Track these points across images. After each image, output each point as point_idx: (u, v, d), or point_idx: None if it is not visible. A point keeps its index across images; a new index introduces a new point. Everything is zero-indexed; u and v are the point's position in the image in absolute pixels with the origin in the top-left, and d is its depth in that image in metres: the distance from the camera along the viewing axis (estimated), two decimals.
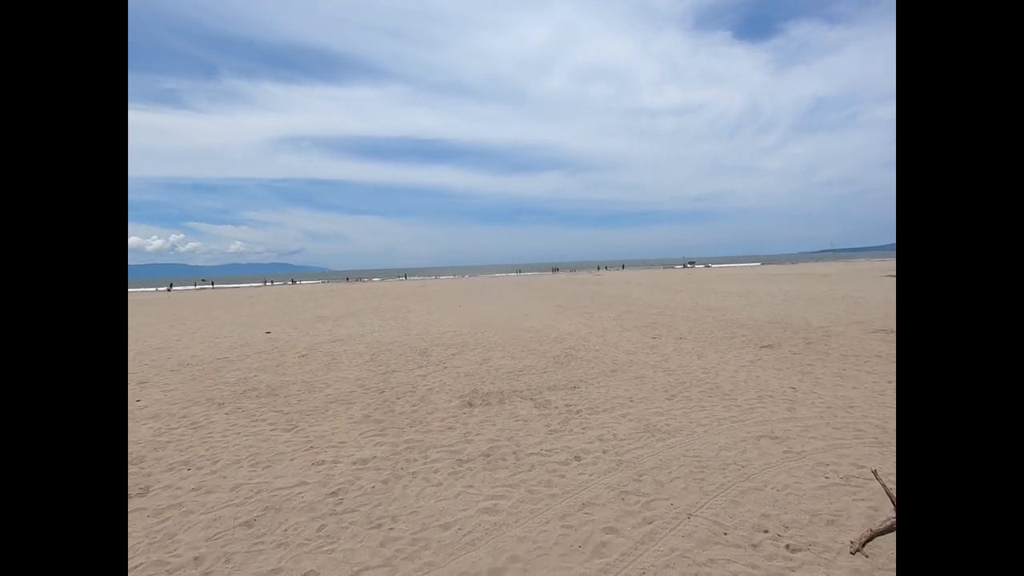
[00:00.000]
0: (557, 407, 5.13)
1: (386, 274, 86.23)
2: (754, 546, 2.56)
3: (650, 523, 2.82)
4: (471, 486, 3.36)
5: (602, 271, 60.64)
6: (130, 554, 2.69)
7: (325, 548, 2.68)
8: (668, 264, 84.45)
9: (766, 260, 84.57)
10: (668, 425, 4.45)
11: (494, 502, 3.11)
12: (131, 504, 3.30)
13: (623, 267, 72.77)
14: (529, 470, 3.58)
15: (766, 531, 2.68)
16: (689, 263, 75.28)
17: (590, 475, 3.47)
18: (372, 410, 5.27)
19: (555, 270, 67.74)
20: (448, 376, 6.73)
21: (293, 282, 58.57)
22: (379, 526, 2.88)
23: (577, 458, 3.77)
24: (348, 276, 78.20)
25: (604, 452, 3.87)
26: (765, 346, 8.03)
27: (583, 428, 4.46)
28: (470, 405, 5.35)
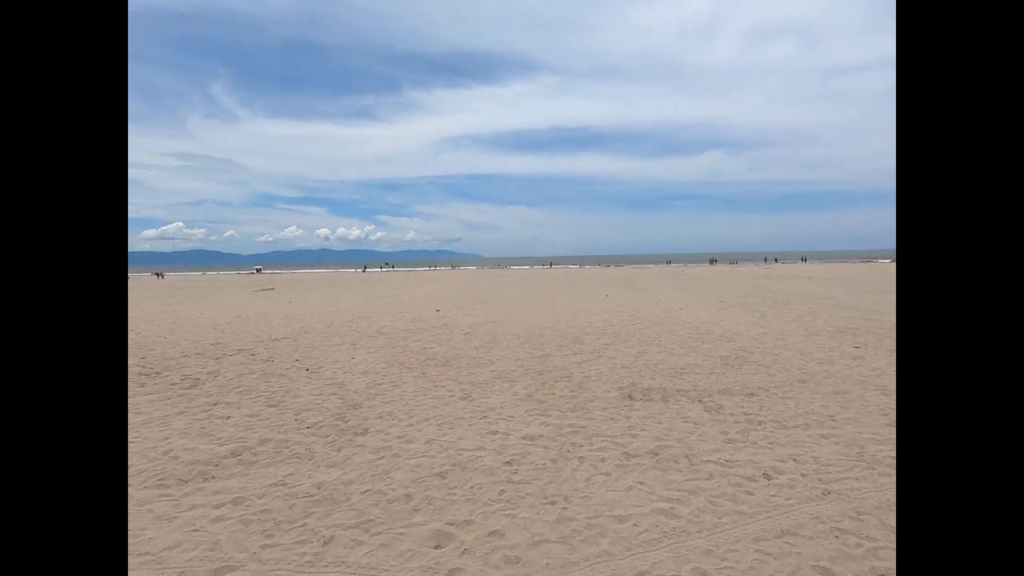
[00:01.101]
0: (733, 414, 4.58)
1: (533, 261, 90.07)
2: None
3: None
4: (642, 482, 3.24)
5: (772, 263, 52.23)
6: (358, 482, 3.35)
7: (507, 512, 2.90)
8: (868, 257, 67.83)
9: None
10: (894, 458, 3.54)
11: (670, 505, 2.93)
12: (355, 440, 4.12)
13: (803, 259, 61.26)
14: (707, 479, 3.27)
15: None
16: None
17: (786, 499, 2.99)
18: (533, 390, 5.53)
19: (713, 261, 60.94)
20: (604, 366, 6.64)
21: (453, 267, 65.85)
22: (553, 503, 2.99)
23: (766, 476, 3.29)
24: (499, 263, 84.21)
25: (803, 476, 3.29)
26: None
27: (769, 443, 3.88)
28: (630, 398, 5.17)
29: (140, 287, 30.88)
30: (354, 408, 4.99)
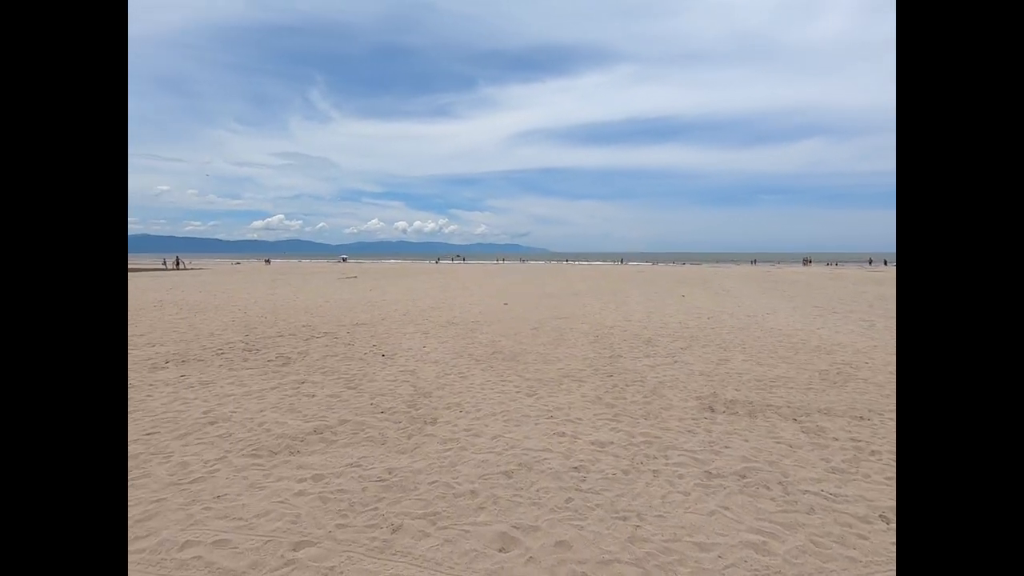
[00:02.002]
0: (837, 439, 3.99)
1: (602, 257, 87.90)
2: None
3: None
4: (726, 508, 2.91)
5: (880, 266, 45.81)
6: (426, 472, 3.40)
7: (574, 522, 2.75)
8: None
9: None
10: None
11: (762, 539, 2.59)
12: (424, 429, 4.21)
13: None
14: (808, 513, 2.85)
15: None
16: None
17: None
18: (603, 393, 5.29)
19: (807, 262, 54.91)
20: (680, 372, 6.18)
21: (522, 260, 66.46)
22: (625, 519, 2.78)
23: (884, 519, 2.79)
24: (567, 258, 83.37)
25: None
26: None
27: (886, 478, 3.30)
28: (711, 410, 4.73)
29: (252, 270, 35.11)
30: (424, 396, 5.13)
